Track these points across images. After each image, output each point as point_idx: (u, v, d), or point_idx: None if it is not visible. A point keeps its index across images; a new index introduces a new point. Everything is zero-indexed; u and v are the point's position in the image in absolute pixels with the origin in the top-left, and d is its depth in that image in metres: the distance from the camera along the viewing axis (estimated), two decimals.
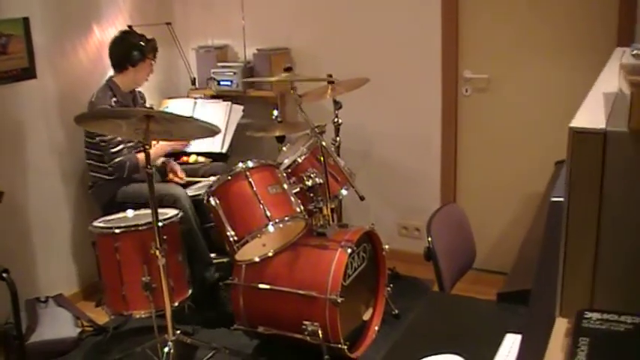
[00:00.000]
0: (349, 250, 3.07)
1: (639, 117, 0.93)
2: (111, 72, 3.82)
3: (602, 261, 1.03)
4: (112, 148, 3.62)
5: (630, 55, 1.42)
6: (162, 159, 3.98)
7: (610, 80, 1.27)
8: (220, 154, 4.28)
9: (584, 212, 1.02)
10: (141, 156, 3.63)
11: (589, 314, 1.00)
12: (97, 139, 3.64)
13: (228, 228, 3.02)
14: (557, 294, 1.08)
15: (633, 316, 0.98)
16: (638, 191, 0.98)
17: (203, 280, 3.66)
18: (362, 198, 3.23)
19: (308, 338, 3.04)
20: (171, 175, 3.94)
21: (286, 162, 3.38)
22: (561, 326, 1.04)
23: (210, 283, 3.69)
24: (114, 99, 3.67)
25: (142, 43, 3.73)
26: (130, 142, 3.68)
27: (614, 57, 1.60)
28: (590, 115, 1.05)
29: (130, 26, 4.14)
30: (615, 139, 0.97)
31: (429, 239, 2.45)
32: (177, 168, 4.01)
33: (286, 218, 3.05)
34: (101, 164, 3.70)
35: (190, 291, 3.41)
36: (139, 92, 3.98)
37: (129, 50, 3.70)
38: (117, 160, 3.62)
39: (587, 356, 0.91)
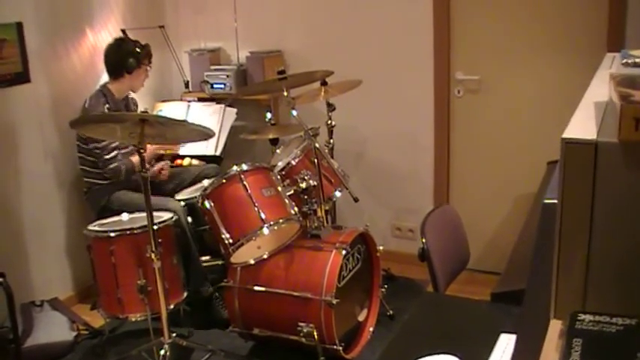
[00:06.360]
0: (344, 252, 3.08)
1: (628, 128, 0.96)
2: (105, 78, 3.82)
3: (593, 265, 1.05)
4: (107, 154, 3.62)
5: (620, 64, 1.44)
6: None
7: (601, 88, 1.29)
8: (214, 156, 4.28)
9: (576, 220, 1.04)
10: (135, 158, 3.64)
11: (582, 316, 1.03)
12: (91, 145, 3.63)
13: (223, 231, 3.04)
14: (551, 297, 1.10)
15: (624, 317, 1.01)
16: (627, 199, 1.01)
17: (198, 293, 3.65)
18: (356, 199, 3.25)
19: (303, 340, 3.05)
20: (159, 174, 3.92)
21: (280, 164, 3.39)
22: (555, 328, 1.07)
23: (205, 297, 3.69)
24: (107, 105, 3.66)
25: (137, 49, 3.72)
26: (124, 148, 3.68)
27: (605, 64, 1.62)
28: (582, 126, 1.07)
29: (123, 30, 4.15)
30: (606, 150, 0.99)
31: (423, 240, 2.48)
32: (161, 165, 4.00)
33: (281, 220, 3.07)
34: (95, 170, 3.70)
35: (185, 293, 3.42)
36: (132, 98, 3.97)
37: (124, 57, 3.68)
38: (111, 166, 3.62)
39: (580, 356, 0.93)
